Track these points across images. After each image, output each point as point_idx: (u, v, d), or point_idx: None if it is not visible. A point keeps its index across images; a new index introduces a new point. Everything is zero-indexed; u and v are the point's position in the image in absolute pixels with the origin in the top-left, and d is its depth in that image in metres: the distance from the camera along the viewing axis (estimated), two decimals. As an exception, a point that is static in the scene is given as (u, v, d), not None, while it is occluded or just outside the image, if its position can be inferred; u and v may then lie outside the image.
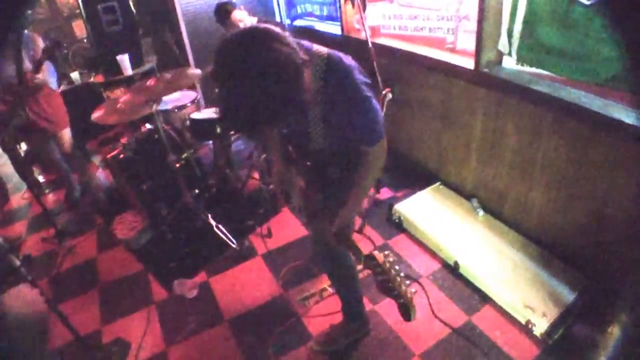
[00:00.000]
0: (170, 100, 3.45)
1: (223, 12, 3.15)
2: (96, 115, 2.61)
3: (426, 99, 3.02)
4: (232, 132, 3.12)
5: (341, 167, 1.64)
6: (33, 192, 3.41)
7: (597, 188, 2.08)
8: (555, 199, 2.32)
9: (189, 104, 3.39)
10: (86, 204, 3.67)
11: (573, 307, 2.10)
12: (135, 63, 4.29)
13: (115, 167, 3.11)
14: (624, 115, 1.82)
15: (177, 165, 2.88)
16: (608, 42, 1.75)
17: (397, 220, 2.90)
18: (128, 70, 4.22)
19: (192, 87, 3.97)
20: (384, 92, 2.89)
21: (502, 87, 2.37)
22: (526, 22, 2.09)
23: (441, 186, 3.09)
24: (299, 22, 4.30)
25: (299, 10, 4.24)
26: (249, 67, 1.05)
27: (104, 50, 4.23)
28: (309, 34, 3.99)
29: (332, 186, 1.67)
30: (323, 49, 1.39)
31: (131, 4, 4.27)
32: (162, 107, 3.18)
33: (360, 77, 1.40)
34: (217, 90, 1.12)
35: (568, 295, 2.14)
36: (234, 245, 2.90)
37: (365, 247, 2.72)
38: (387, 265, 1.28)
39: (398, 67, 3.12)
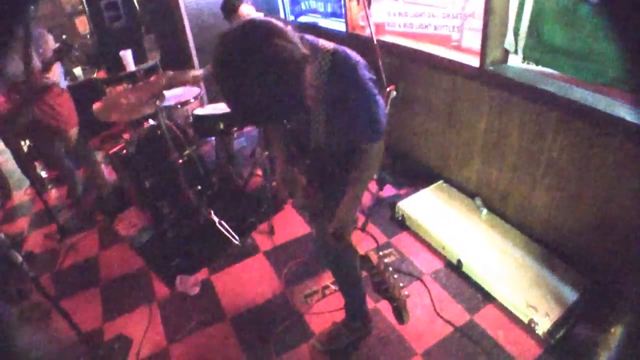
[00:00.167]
0: (173, 96, 3.44)
1: (230, 7, 3.13)
2: (96, 108, 2.60)
3: (430, 96, 3.01)
4: (235, 129, 3.10)
5: (341, 166, 1.63)
6: (35, 189, 3.40)
7: (601, 189, 2.07)
8: (559, 199, 2.31)
9: (192, 100, 3.37)
10: (88, 201, 3.66)
11: (575, 307, 2.09)
12: (138, 59, 4.28)
13: (118, 163, 3.10)
14: (630, 115, 1.80)
15: (180, 161, 2.87)
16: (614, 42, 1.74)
17: (400, 218, 2.89)
18: (131, 66, 4.21)
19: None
20: (388, 90, 2.88)
21: (507, 85, 2.35)
22: (533, 20, 2.08)
23: (444, 184, 3.08)
24: (302, 19, 4.28)
25: (303, 7, 4.23)
26: (247, 62, 1.02)
27: (106, 46, 4.22)
28: (313, 31, 3.98)
29: (331, 185, 1.66)
30: (329, 44, 1.37)
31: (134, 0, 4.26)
32: (165, 103, 3.17)
33: (366, 73, 1.38)
34: (217, 85, 1.11)
35: (571, 295, 2.14)
36: (236, 242, 2.90)
37: (368, 245, 2.73)
38: (382, 266, 1.27)
39: (402, 64, 3.11)
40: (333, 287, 2.47)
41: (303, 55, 1.08)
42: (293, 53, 1.05)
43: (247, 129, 3.90)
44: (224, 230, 2.93)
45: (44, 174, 4.32)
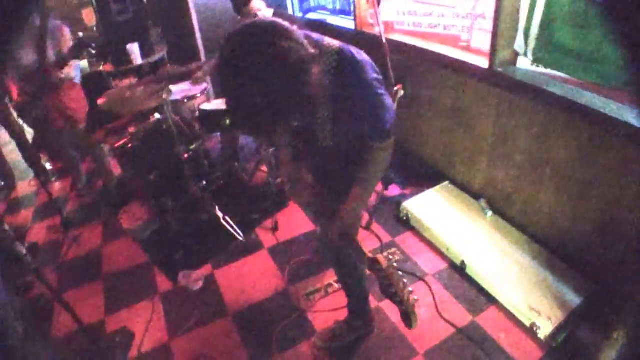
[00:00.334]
0: (180, 91, 3.43)
1: (241, 1, 3.11)
2: (101, 101, 2.60)
3: (438, 96, 3.00)
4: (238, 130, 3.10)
5: (347, 165, 1.62)
6: (40, 180, 3.41)
7: (608, 193, 2.06)
8: (565, 202, 2.30)
9: (198, 95, 3.36)
10: (93, 194, 3.67)
11: (578, 311, 2.09)
12: (145, 53, 4.27)
13: (123, 156, 3.11)
14: (637, 119, 1.79)
15: (185, 156, 2.87)
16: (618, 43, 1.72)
17: (404, 218, 2.89)
18: (138, 59, 4.21)
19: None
20: (395, 89, 2.86)
21: (515, 87, 2.34)
22: (544, 22, 2.06)
23: (450, 185, 3.07)
24: (311, 16, 4.26)
25: (312, 4, 4.21)
26: (252, 63, 1.03)
27: (113, 39, 4.22)
28: (321, 28, 3.97)
29: (338, 184, 1.65)
30: (335, 43, 1.36)
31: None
32: (171, 97, 3.17)
33: (372, 73, 1.38)
34: (221, 85, 1.10)
35: (574, 299, 2.13)
36: (240, 238, 2.90)
37: (372, 244, 2.74)
38: (391, 270, 1.27)
39: (411, 63, 3.09)
40: (336, 285, 2.47)
41: (310, 55, 1.08)
42: (299, 54, 1.05)
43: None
44: (228, 226, 2.94)
45: (48, 166, 4.33)
